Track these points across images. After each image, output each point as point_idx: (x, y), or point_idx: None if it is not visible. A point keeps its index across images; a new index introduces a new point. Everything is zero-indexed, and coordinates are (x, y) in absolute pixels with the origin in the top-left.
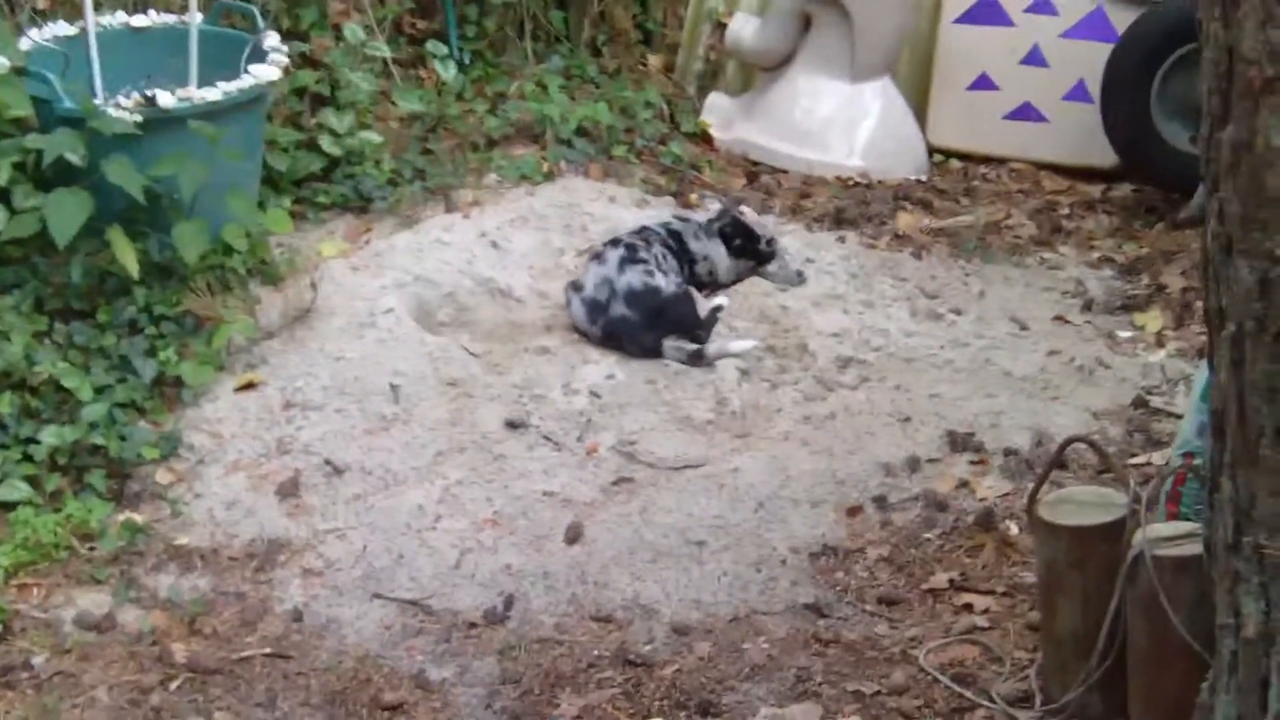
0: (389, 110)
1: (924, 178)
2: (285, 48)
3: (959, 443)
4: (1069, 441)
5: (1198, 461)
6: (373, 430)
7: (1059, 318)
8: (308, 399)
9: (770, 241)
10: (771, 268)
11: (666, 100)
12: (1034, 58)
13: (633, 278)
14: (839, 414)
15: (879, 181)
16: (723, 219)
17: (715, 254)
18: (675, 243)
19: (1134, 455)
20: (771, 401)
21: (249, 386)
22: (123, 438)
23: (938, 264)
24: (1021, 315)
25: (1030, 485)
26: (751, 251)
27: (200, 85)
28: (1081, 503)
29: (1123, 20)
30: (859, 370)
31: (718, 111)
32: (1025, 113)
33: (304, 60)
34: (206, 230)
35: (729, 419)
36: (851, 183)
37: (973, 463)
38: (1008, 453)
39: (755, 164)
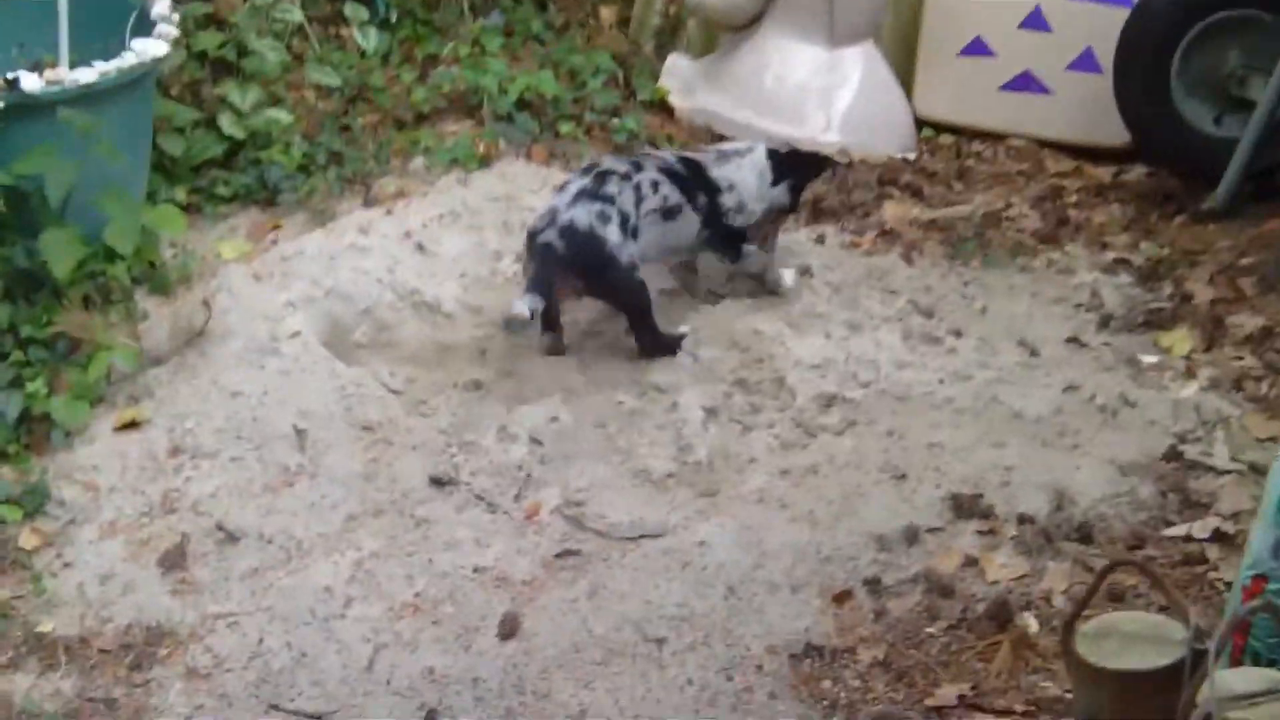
0: (304, 79)
1: (911, 156)
2: (176, 15)
3: (964, 507)
4: (1110, 568)
5: (1273, 587)
6: (273, 485)
7: (1073, 339)
8: (198, 444)
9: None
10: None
11: (620, 62)
12: (1035, 20)
13: (579, 214)
14: (822, 466)
15: (860, 160)
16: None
17: (743, 181)
18: (687, 170)
19: (1169, 524)
20: (743, 449)
21: (131, 425)
22: None
23: (931, 269)
24: (1030, 336)
25: (1048, 565)
26: (798, 176)
27: (79, 61)
28: (1129, 634)
29: None
30: (845, 411)
31: (678, 76)
32: (1024, 83)
33: (207, 20)
34: (80, 237)
35: (693, 471)
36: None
37: (981, 533)
38: (1022, 519)
39: (720, 138)
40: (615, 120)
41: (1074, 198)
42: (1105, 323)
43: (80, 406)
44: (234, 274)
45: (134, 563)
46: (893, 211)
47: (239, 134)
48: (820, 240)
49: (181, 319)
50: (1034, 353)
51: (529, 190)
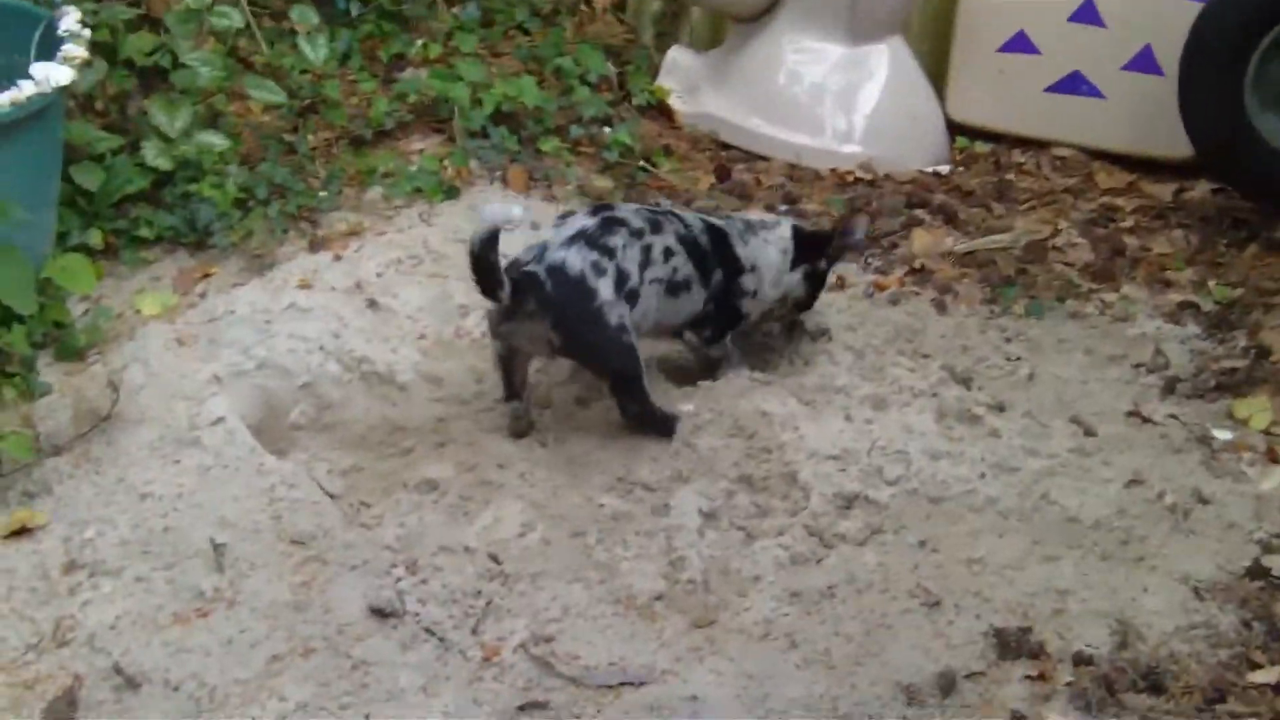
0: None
1: (944, 169)
2: (87, 32)
3: (1010, 644)
4: None
5: None
6: (184, 615)
7: (1134, 412)
8: (99, 558)
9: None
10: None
11: (615, 55)
12: (1086, 13)
13: (573, 258)
14: (840, 588)
15: (885, 176)
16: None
17: (768, 263)
18: (711, 240)
19: (1255, 667)
20: (746, 564)
21: (22, 531)
22: None
23: (968, 319)
24: (1085, 410)
25: None
26: (816, 269)
27: None
28: None
29: None
30: (868, 514)
31: (679, 73)
32: (1073, 85)
33: (139, 21)
34: None
35: (685, 593)
36: (851, 178)
37: (1030, 678)
38: (1079, 660)
39: (726, 147)
40: (607, 130)
41: (1129, 221)
42: (1171, 387)
43: None
44: (153, 337)
45: (14, 715)
46: (922, 242)
47: (165, 164)
48: (839, 285)
49: (85, 400)
50: (1089, 432)
51: (503, 228)
